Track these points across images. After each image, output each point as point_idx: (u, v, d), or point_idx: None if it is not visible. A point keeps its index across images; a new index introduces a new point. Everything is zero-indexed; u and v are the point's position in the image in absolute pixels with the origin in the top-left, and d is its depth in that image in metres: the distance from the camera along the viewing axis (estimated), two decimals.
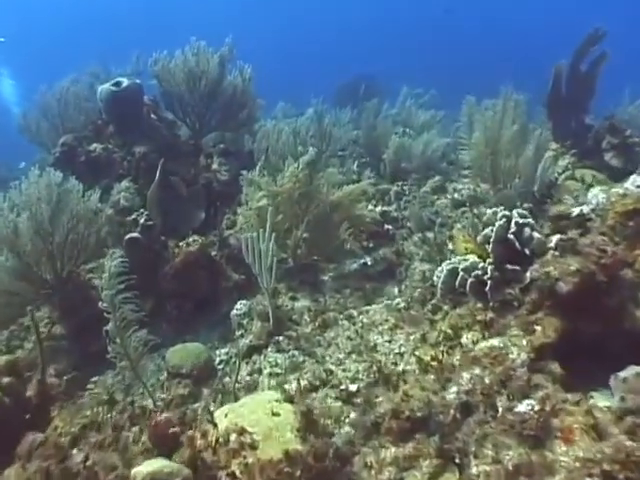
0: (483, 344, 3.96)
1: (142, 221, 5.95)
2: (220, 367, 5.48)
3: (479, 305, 4.40)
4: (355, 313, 5.48)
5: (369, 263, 6.35)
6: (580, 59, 8.70)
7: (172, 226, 6.86)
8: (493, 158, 7.33)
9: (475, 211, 7.09)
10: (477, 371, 3.76)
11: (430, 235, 6.58)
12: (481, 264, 4.37)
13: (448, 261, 4.71)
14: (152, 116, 7.46)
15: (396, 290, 5.87)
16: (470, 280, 4.36)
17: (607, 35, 8.58)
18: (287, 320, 5.61)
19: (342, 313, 5.57)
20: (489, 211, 4.57)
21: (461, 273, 4.45)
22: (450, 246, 6.53)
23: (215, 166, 7.38)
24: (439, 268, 4.78)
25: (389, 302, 5.52)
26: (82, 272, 6.28)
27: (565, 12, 42.49)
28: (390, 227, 6.73)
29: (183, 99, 7.76)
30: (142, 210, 6.09)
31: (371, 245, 6.60)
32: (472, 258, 4.61)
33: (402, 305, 5.41)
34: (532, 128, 7.50)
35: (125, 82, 7.08)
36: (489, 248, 4.28)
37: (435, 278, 4.86)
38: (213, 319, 6.10)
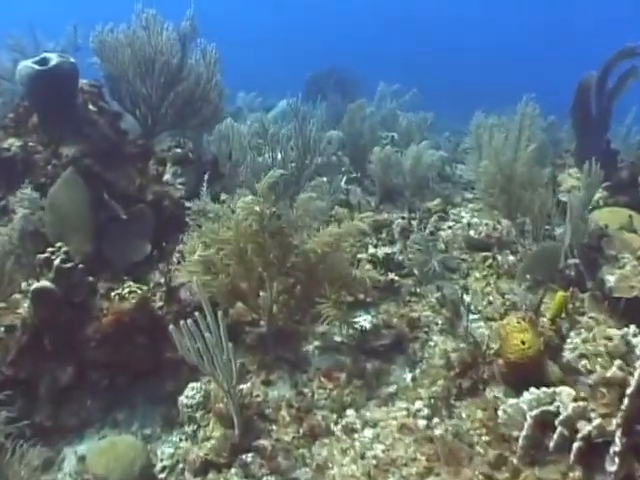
0: None
1: (57, 262, 3.81)
2: (162, 476, 3.51)
3: (577, 473, 2.50)
4: (358, 424, 3.53)
5: (368, 327, 4.36)
6: (608, 73, 6.84)
7: (105, 258, 4.75)
8: (508, 187, 5.48)
9: (499, 258, 5.18)
10: None
11: (447, 291, 4.64)
12: (597, 420, 2.43)
13: (529, 394, 2.74)
14: (90, 107, 5.24)
15: (409, 376, 3.93)
16: (577, 444, 2.43)
17: None
18: (258, 417, 3.63)
19: (336, 413, 3.63)
20: (614, 332, 2.62)
21: (559, 428, 2.50)
22: (467, 299, 4.66)
23: (168, 177, 5.24)
24: (511, 402, 2.84)
25: (404, 406, 3.61)
26: None
27: (552, 9, 40.37)
28: (395, 277, 4.73)
29: (133, 86, 5.58)
30: (59, 244, 3.94)
31: (369, 299, 4.61)
32: (568, 397, 2.67)
33: (425, 413, 3.49)
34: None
35: (54, 60, 4.83)
36: (624, 403, 2.32)
37: (501, 414, 2.91)
38: (154, 394, 4.10)
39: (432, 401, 3.59)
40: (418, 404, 3.60)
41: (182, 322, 3.09)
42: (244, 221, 3.71)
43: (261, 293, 4.04)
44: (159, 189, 5.08)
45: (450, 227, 5.97)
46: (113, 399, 4.06)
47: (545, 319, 3.92)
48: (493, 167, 5.52)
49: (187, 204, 4.27)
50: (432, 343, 4.19)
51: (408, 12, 42.23)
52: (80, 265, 4.03)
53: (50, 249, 3.92)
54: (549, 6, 40.85)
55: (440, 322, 4.37)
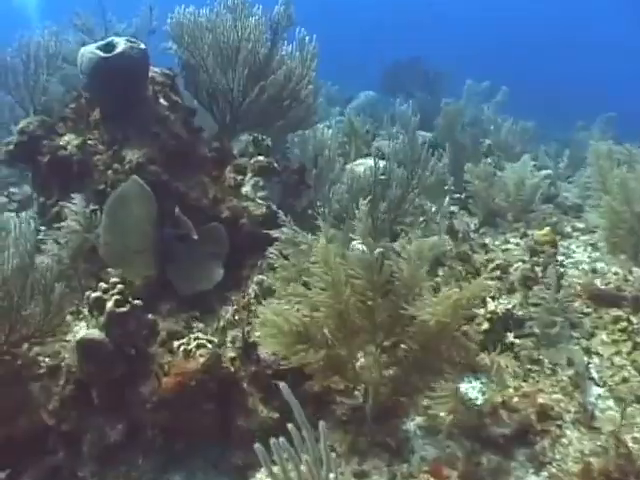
0: None
1: (110, 305, 2.92)
2: None
3: None
4: None
5: (480, 402, 3.36)
6: None
7: (169, 283, 3.85)
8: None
9: (634, 320, 4.10)
10: None
11: (577, 359, 3.60)
12: None
13: None
14: (161, 100, 4.29)
15: None
16: None
17: None
18: None
19: None
20: None
21: None
22: (593, 373, 3.62)
23: (247, 189, 4.24)
24: None
25: None
26: (21, 353, 3.40)
27: None
28: (515, 340, 3.70)
29: (211, 77, 4.60)
30: (113, 279, 3.04)
31: (485, 360, 3.59)
32: None
33: None
34: None
35: (121, 45, 3.87)
36: None
37: None
38: (219, 462, 3.22)
39: None
40: None
41: (272, 441, 2.16)
42: (340, 272, 2.71)
43: (360, 357, 3.09)
44: (236, 204, 4.11)
45: (562, 264, 4.87)
46: (169, 459, 3.22)
47: None
48: (619, 204, 4.44)
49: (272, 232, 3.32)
50: (565, 440, 3.16)
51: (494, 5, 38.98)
52: (138, 302, 3.15)
53: (103, 286, 3.03)
54: None
55: (574, 410, 3.33)
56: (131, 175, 3.78)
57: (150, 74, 4.28)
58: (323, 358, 2.78)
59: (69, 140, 4.05)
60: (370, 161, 5.96)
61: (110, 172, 3.89)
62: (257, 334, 3.16)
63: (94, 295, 2.98)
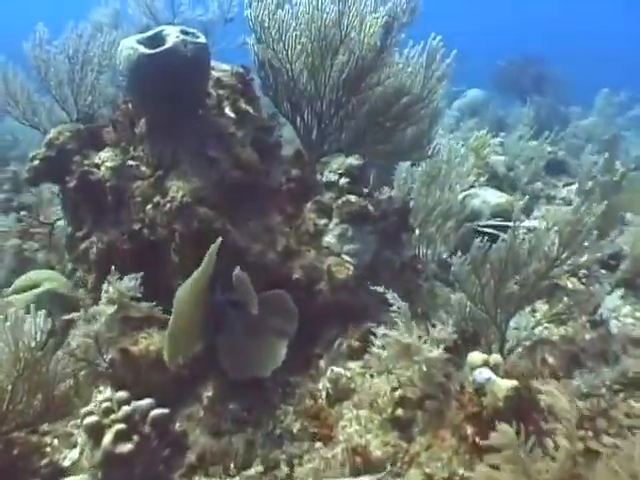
0: None
1: (108, 441, 1.90)
2: None
3: None
4: None
5: None
6: None
7: (218, 363, 2.81)
8: None
9: None
10: None
11: None
12: None
13: None
14: (227, 111, 3.18)
15: None
16: None
17: None
18: None
19: None
20: None
21: None
22: None
23: (331, 239, 3.09)
24: None
25: None
26: (19, 439, 2.50)
27: None
28: None
29: (296, 82, 3.45)
30: (120, 395, 2.02)
31: None
32: None
33: None
34: None
35: (171, 38, 2.77)
36: None
37: None
38: None
39: None
40: None
41: None
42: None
43: None
44: (314, 261, 2.95)
45: None
46: None
47: None
48: None
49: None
50: None
51: None
52: (160, 413, 2.12)
53: (104, 405, 2.00)
54: None
55: None
56: (171, 216, 2.74)
57: (215, 75, 3.20)
58: None
59: (104, 159, 3.04)
60: (488, 194, 4.72)
61: (149, 207, 2.86)
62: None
63: (89, 421, 1.96)
